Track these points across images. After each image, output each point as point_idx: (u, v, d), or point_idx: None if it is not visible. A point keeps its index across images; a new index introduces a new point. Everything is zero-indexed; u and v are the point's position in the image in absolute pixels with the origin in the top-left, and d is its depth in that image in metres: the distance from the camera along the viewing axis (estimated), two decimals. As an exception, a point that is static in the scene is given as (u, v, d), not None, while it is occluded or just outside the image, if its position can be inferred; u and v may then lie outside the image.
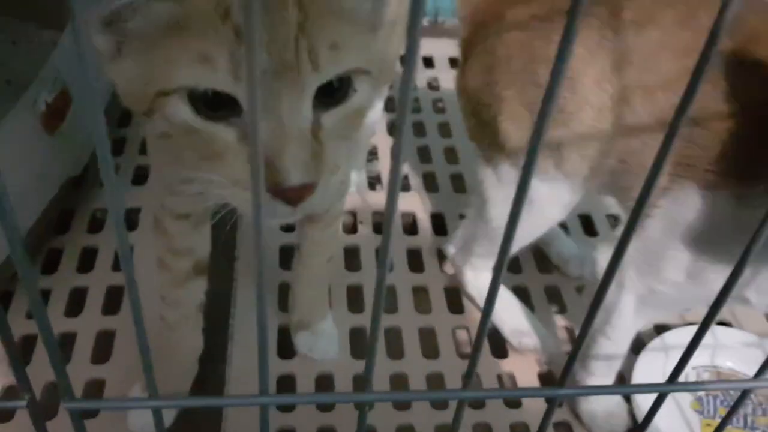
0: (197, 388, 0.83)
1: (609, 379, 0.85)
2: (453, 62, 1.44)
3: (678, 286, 0.72)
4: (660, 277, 0.73)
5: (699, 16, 0.66)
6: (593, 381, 0.85)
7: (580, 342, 0.41)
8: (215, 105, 0.44)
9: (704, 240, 0.68)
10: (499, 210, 0.84)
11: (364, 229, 1.07)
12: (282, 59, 0.43)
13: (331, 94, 0.47)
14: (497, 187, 0.83)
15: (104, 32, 0.45)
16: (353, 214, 1.09)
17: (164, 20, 0.43)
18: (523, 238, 0.84)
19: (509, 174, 0.81)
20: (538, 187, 0.77)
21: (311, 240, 0.82)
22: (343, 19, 0.46)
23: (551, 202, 0.80)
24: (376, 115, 1.11)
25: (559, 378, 0.43)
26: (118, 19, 0.44)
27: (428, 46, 1.46)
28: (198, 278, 0.76)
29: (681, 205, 0.67)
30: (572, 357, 0.41)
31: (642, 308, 0.78)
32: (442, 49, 1.46)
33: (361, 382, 0.40)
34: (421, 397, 0.73)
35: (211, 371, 0.85)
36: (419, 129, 1.26)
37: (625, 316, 0.79)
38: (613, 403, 0.87)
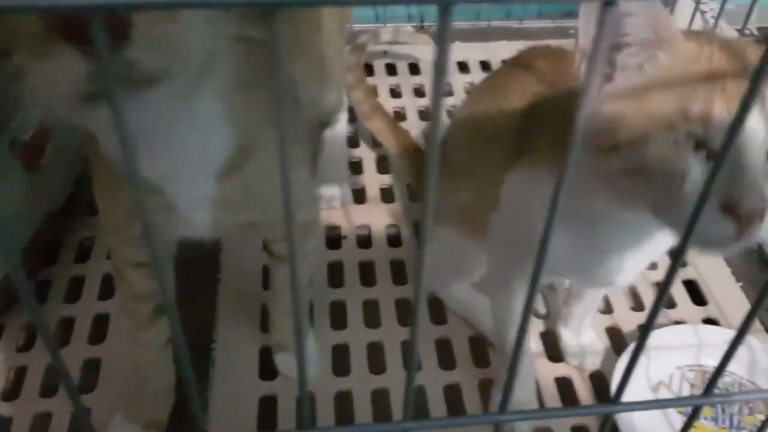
0: (180, 413, 0.85)
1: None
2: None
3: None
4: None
5: None
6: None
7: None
8: None
9: None
10: None
11: (348, 244, 1.08)
12: None
13: None
14: None
15: None
16: (337, 229, 1.10)
17: None
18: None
19: None
20: None
21: (282, 278, 0.84)
22: None
23: None
24: (342, 127, 1.13)
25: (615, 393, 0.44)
26: None
27: (414, 50, 1.46)
28: (163, 317, 0.78)
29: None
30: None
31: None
32: (429, 53, 1.46)
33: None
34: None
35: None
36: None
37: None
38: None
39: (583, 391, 0.92)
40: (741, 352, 0.94)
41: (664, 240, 0.66)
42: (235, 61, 0.58)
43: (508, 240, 0.73)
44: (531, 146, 0.65)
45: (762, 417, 0.91)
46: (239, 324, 0.95)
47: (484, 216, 0.80)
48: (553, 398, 0.91)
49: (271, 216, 0.70)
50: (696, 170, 0.51)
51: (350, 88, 1.16)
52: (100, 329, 0.94)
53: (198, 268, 0.97)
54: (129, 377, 0.84)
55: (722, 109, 0.50)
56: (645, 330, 0.41)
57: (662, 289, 0.39)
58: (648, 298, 1.04)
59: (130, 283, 0.73)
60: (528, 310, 0.38)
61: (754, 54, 0.53)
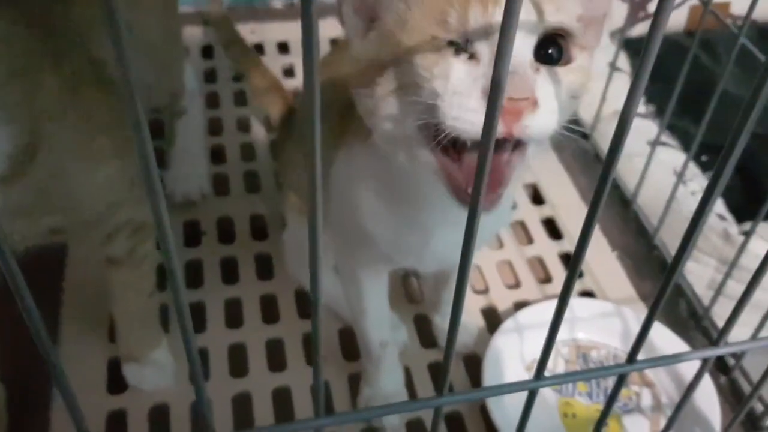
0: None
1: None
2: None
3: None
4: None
5: None
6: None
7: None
8: None
9: None
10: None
11: (209, 240, 1.01)
12: None
13: None
14: None
15: None
16: (196, 225, 1.03)
17: None
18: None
19: None
20: None
21: (120, 284, 0.76)
22: None
23: None
24: (197, 115, 1.07)
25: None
26: None
27: (284, 30, 1.40)
28: None
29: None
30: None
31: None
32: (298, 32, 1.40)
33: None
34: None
35: (34, 413, 0.80)
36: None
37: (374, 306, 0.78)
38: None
39: (457, 376, 0.89)
40: (614, 323, 0.93)
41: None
42: (4, 49, 0.51)
43: (342, 227, 0.68)
44: (355, 122, 0.60)
45: (636, 388, 0.89)
46: (85, 334, 0.87)
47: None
48: (426, 386, 0.87)
49: (77, 218, 0.63)
50: (458, 71, 0.48)
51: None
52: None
53: (39, 274, 0.88)
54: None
55: (478, 14, 0.47)
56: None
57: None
58: (525, 273, 1.02)
59: None
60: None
61: None
